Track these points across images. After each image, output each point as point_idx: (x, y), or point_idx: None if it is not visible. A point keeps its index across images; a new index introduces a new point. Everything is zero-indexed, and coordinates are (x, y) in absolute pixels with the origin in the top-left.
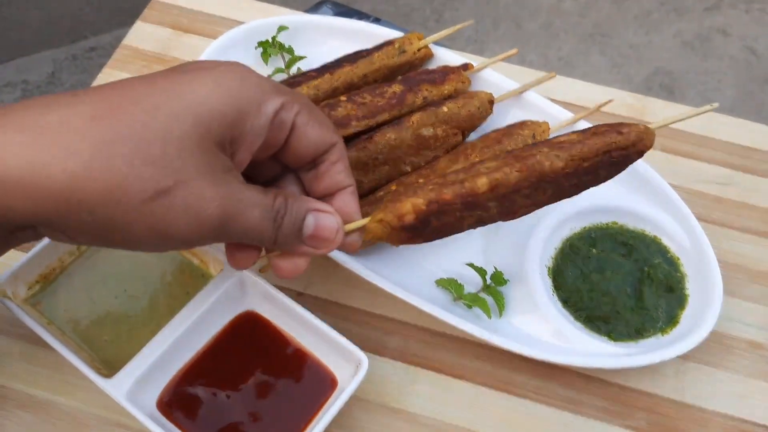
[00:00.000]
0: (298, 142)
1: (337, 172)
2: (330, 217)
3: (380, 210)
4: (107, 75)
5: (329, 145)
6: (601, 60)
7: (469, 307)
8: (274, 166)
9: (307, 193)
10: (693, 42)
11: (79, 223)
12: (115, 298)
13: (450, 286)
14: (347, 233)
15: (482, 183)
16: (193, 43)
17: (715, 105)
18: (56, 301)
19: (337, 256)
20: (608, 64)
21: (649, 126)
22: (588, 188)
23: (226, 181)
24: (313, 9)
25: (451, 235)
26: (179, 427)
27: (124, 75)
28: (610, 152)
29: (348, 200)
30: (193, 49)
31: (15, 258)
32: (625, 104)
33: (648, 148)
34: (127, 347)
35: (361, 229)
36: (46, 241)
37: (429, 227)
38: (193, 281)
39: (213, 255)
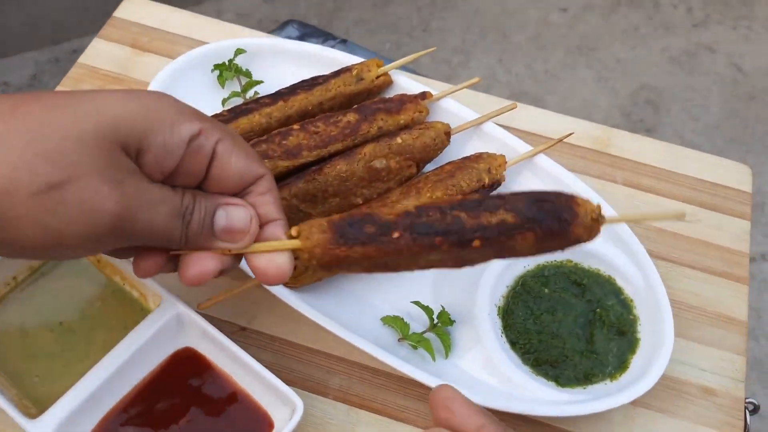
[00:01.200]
0: (220, 170)
1: (265, 203)
2: (241, 209)
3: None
4: None
5: (255, 176)
6: (588, 73)
7: (414, 347)
8: None
9: None
10: (680, 58)
11: None
12: (51, 332)
13: (395, 324)
14: (270, 251)
15: (409, 205)
16: (153, 62)
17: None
18: None
19: (279, 291)
20: (594, 78)
21: (600, 219)
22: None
23: (129, 179)
24: (279, 29)
25: (388, 266)
26: None
27: None
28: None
29: (277, 234)
30: (152, 69)
31: None
32: (589, 136)
33: (585, 241)
34: (60, 384)
35: (291, 254)
36: None
37: (355, 231)
38: (132, 315)
39: (152, 289)
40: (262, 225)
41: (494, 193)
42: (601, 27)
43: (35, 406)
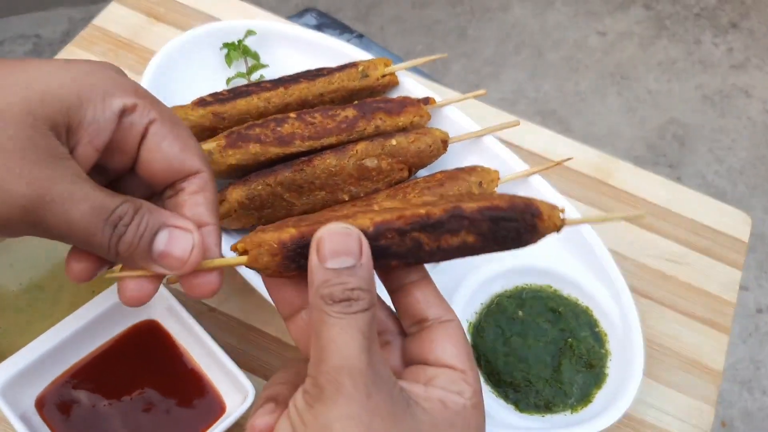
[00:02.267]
0: (149, 155)
1: (196, 204)
2: (186, 235)
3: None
4: (69, 53)
5: (188, 171)
6: (617, 101)
7: None
8: (140, 186)
9: None
10: (713, 97)
11: None
12: (20, 285)
13: None
14: (204, 270)
15: (366, 222)
16: (165, 33)
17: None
18: None
19: (252, 278)
20: (623, 107)
21: (559, 218)
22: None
23: (49, 164)
24: (297, 16)
25: None
26: (52, 429)
27: (87, 55)
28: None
29: (209, 243)
30: (162, 39)
31: None
32: (591, 164)
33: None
34: (22, 339)
35: (220, 271)
36: None
37: (306, 258)
38: (100, 281)
39: None
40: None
41: None
42: (637, 56)
43: None
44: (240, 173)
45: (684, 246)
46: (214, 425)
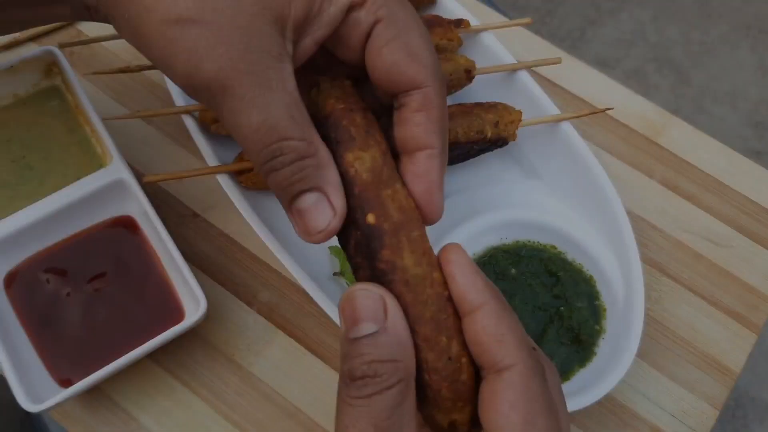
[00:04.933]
0: (369, 60)
1: (414, 123)
2: (328, 213)
3: None
4: None
5: (412, 84)
6: (749, 57)
7: (350, 286)
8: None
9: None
10: None
11: (119, 21)
12: (12, 162)
13: (339, 256)
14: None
15: None
16: None
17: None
18: None
19: (232, 191)
20: (754, 64)
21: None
22: None
23: (253, 57)
24: None
25: None
26: (15, 307)
27: None
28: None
29: (423, 166)
30: None
31: None
32: (642, 117)
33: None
34: (2, 213)
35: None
36: None
37: None
38: (89, 169)
39: (112, 149)
40: (412, 151)
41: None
42: None
43: None
44: None
45: (729, 226)
46: (169, 330)
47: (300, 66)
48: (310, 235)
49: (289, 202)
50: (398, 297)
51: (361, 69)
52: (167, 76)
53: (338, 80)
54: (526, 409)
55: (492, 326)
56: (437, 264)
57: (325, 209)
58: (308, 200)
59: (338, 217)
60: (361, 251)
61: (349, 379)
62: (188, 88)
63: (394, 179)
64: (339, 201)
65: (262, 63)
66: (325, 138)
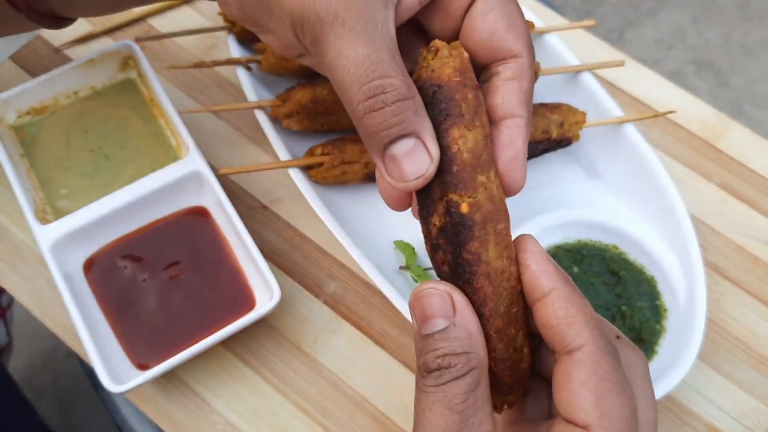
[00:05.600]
0: (471, 24)
1: (507, 92)
2: (426, 159)
3: None
4: None
5: (507, 53)
6: None
7: (415, 280)
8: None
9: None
10: None
11: None
12: (90, 152)
13: (405, 250)
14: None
15: None
16: None
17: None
18: (38, 136)
19: (303, 184)
20: None
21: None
22: None
23: (353, 5)
24: None
25: None
26: (94, 291)
27: None
28: None
29: (511, 135)
30: None
31: (18, 82)
32: (701, 121)
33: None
34: (82, 202)
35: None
36: (46, 75)
37: None
38: (164, 160)
39: (188, 141)
40: (500, 120)
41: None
42: None
43: (54, 215)
44: (311, 75)
45: None
46: (241, 318)
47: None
48: (405, 181)
49: (384, 147)
50: (479, 289)
51: (448, 38)
52: (275, 8)
53: (457, 49)
54: (597, 386)
55: (562, 309)
56: (515, 258)
57: (422, 155)
58: (405, 145)
59: (434, 165)
60: (446, 235)
61: (425, 372)
62: (297, 19)
63: (490, 165)
64: (435, 149)
65: (370, 3)
66: (428, 105)
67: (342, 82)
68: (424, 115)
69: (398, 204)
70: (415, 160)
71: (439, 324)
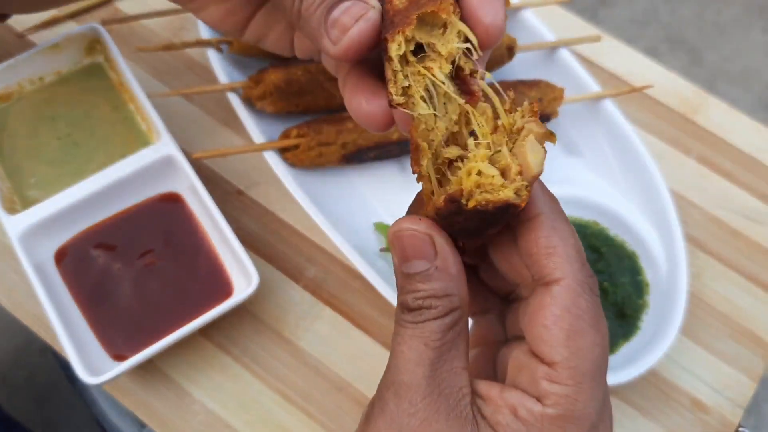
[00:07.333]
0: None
1: None
2: (361, 5)
3: None
4: None
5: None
6: (762, 39)
7: None
8: None
9: None
10: None
11: None
12: (58, 139)
13: (385, 233)
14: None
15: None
16: None
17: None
18: (5, 124)
19: (278, 167)
20: (767, 46)
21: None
22: None
23: None
24: None
25: None
26: (66, 282)
27: None
28: None
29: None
30: None
31: None
32: (678, 96)
33: None
34: (51, 191)
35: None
36: (10, 61)
37: None
38: (135, 145)
39: (158, 126)
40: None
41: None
42: None
43: (23, 205)
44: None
45: (765, 203)
46: (220, 305)
47: None
48: (347, 30)
49: (326, 19)
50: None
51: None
52: None
53: None
54: (571, 324)
55: (543, 238)
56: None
57: (358, 5)
58: (344, 5)
59: (377, 11)
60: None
61: (406, 309)
62: None
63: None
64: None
65: None
66: None
67: None
68: None
69: (374, 120)
70: (353, 10)
71: (420, 266)
